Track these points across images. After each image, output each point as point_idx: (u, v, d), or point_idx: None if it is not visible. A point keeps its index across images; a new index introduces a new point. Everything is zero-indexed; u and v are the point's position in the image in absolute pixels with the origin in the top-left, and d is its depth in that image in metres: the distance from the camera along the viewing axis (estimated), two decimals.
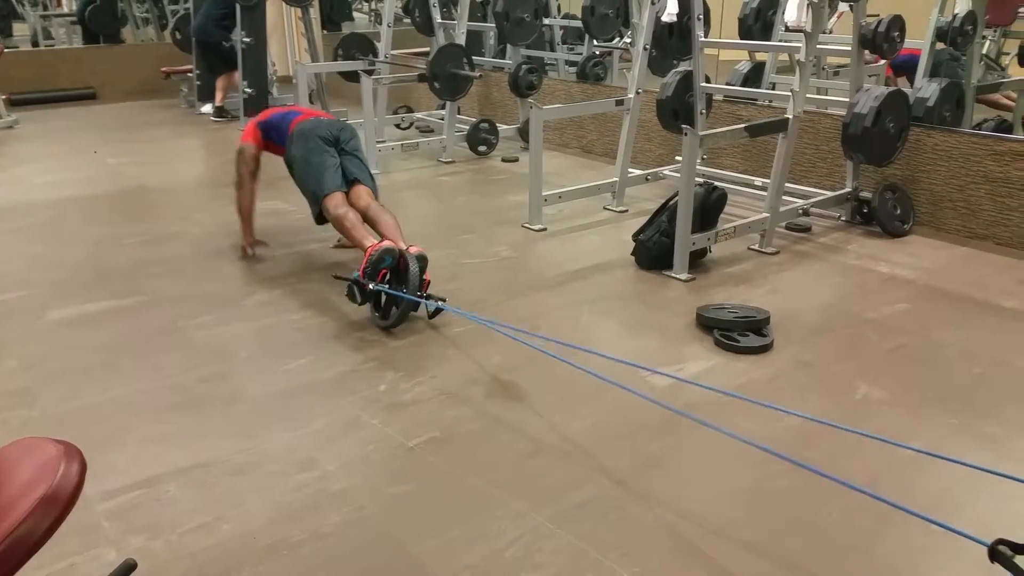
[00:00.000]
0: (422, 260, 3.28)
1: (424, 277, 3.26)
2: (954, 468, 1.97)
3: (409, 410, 2.65)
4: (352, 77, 7.37)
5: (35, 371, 2.97)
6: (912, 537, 2.00)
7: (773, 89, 5.48)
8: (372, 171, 3.97)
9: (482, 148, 6.47)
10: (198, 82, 8.44)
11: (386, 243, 3.31)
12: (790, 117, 3.88)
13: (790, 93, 3.92)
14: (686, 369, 2.74)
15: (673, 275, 3.70)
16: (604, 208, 4.92)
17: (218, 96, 8.13)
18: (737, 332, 2.99)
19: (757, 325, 3.02)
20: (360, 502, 2.18)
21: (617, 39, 7.38)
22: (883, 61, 5.18)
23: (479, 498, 2.19)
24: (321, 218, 3.73)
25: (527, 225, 4.56)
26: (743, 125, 3.80)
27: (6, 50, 9.09)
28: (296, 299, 3.59)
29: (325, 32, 9.79)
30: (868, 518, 2.07)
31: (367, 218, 3.60)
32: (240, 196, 4.11)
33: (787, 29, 4.58)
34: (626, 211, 4.85)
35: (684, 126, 3.57)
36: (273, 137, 4.00)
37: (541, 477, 2.28)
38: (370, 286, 3.20)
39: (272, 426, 2.57)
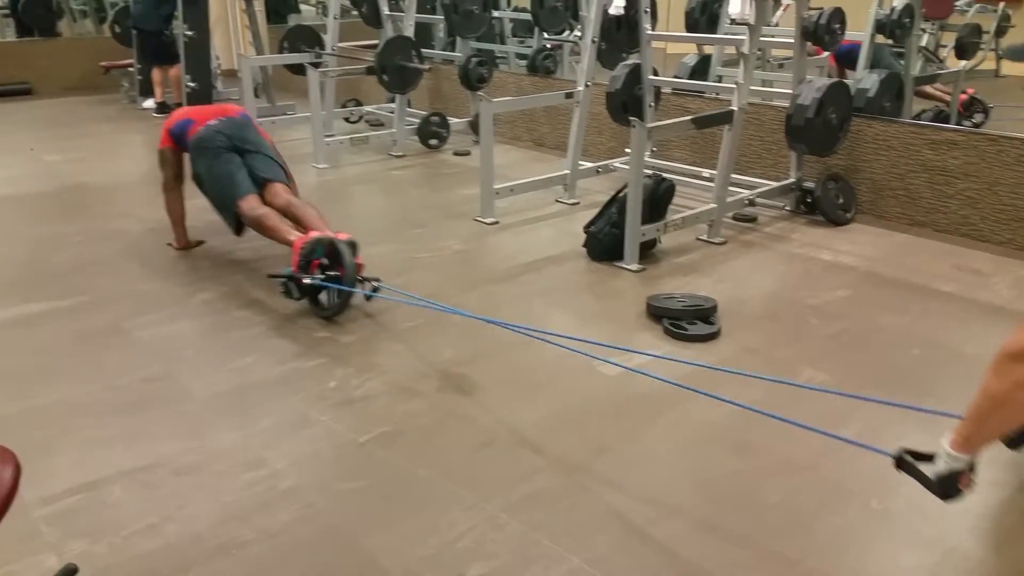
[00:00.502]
0: (352, 245, 3.27)
1: (357, 261, 3.25)
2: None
3: (359, 406, 2.63)
4: (299, 70, 7.26)
5: None
6: (852, 515, 2.05)
7: (720, 82, 5.56)
8: (286, 166, 3.88)
9: (433, 142, 6.44)
10: (139, 77, 8.23)
11: (313, 234, 3.28)
12: (735, 109, 3.94)
13: (735, 85, 3.98)
14: (636, 357, 2.77)
15: (624, 266, 3.74)
16: (556, 201, 4.94)
17: (157, 91, 7.92)
18: (686, 320, 3.04)
19: (705, 313, 3.07)
20: (310, 499, 2.16)
21: (567, 32, 7.41)
22: (826, 53, 5.29)
23: (430, 491, 2.18)
24: (240, 228, 3.69)
25: (479, 219, 4.56)
26: (689, 117, 3.85)
27: None
28: (241, 297, 3.53)
29: (270, 25, 9.62)
30: (811, 497, 2.12)
31: (288, 215, 3.54)
32: (168, 200, 4.04)
33: (732, 22, 4.65)
34: (578, 203, 4.87)
35: (631, 119, 3.60)
36: (180, 144, 3.91)
37: (493, 468, 2.28)
38: (305, 280, 3.18)
39: (219, 426, 2.52)
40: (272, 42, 8.58)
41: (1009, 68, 6.20)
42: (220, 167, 3.64)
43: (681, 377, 2.48)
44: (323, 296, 3.30)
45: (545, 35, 7.23)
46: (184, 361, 2.96)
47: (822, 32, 4.03)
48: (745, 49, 3.89)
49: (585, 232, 3.92)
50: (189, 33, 7.18)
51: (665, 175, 3.92)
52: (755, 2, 3.80)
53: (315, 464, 2.32)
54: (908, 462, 1.55)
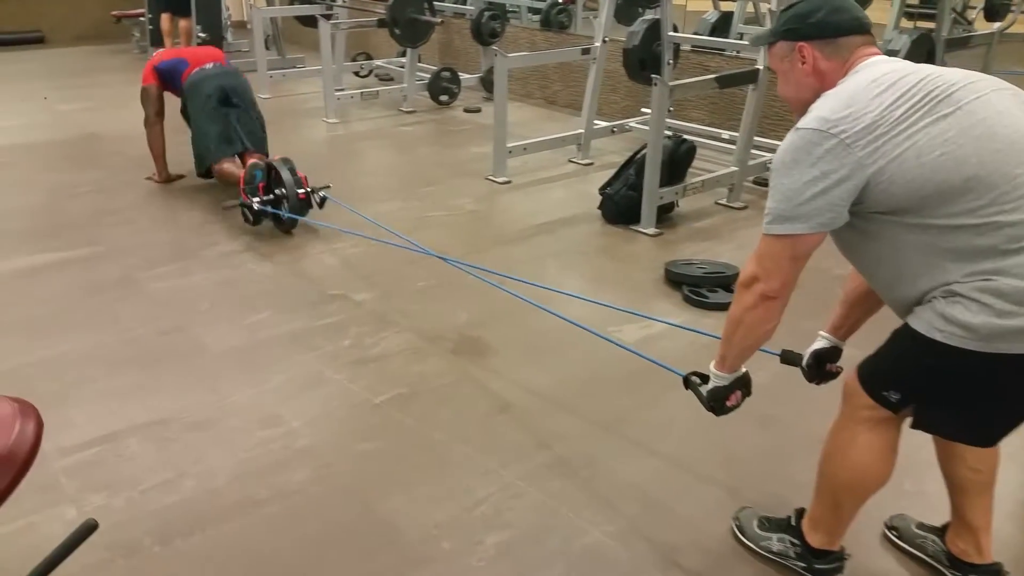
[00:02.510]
0: (287, 161, 3.62)
1: (298, 174, 3.59)
2: None
3: (374, 366, 2.61)
4: (309, 22, 7.14)
5: None
6: (883, 496, 2.03)
7: (741, 39, 5.43)
8: (263, 123, 4.14)
9: (444, 98, 6.34)
10: (150, 27, 8.08)
11: (250, 161, 3.70)
12: (760, 68, 3.84)
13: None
14: (654, 325, 2.74)
15: (640, 229, 3.69)
16: (569, 161, 4.87)
17: (166, 42, 7.78)
18: (706, 288, 2.99)
19: (726, 281, 3.02)
20: (326, 459, 2.15)
21: None
22: None
23: (447, 455, 2.18)
24: (207, 174, 4.03)
25: (491, 177, 4.50)
26: (712, 76, 3.76)
27: None
28: (256, 250, 3.51)
29: None
30: None
31: None
32: (150, 135, 4.23)
33: None
34: (591, 164, 4.80)
35: (653, 76, 3.52)
36: (169, 83, 4.15)
37: (509, 434, 2.27)
38: (255, 203, 3.55)
39: (233, 381, 2.52)
40: None
41: None
42: (208, 122, 3.90)
43: (701, 347, 2.44)
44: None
45: None
46: (198, 314, 2.95)
47: None
48: (773, 5, 3.78)
49: (601, 194, 3.86)
50: None
51: (685, 136, 3.84)
52: None
53: (330, 423, 2.32)
54: (693, 382, 1.69)
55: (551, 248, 3.58)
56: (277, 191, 3.59)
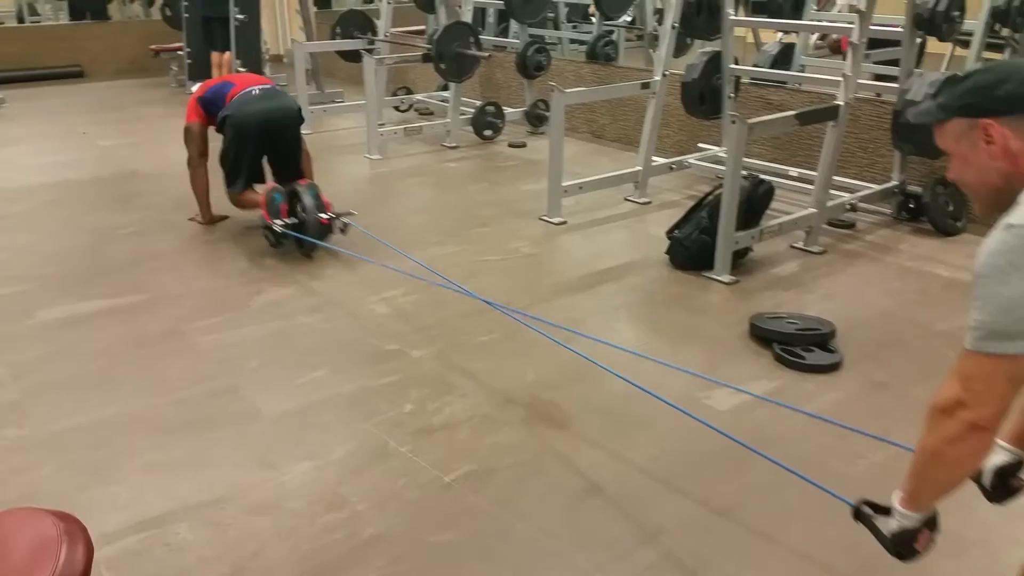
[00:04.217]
0: (312, 186, 3.66)
1: (322, 199, 3.60)
2: None
3: (440, 436, 2.39)
4: (350, 56, 7.03)
5: (25, 381, 2.70)
6: None
7: (803, 71, 5.20)
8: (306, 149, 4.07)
9: (488, 132, 6.17)
10: (189, 60, 8.05)
11: (269, 185, 3.72)
12: (841, 104, 3.60)
13: (840, 77, 3.63)
14: (747, 389, 2.48)
15: (714, 277, 3.44)
16: (625, 199, 4.65)
17: (214, 73, 7.70)
18: (800, 347, 2.72)
19: (822, 339, 2.75)
20: (397, 552, 1.92)
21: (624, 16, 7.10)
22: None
23: (533, 552, 1.93)
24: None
25: (545, 218, 4.29)
26: (792, 113, 3.52)
27: None
28: (305, 299, 3.32)
29: (315, 10, 9.42)
30: None
31: None
32: (193, 176, 4.10)
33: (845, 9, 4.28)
34: (649, 203, 4.58)
35: (732, 114, 3.30)
36: (212, 111, 3.98)
37: (603, 524, 2.01)
38: (276, 225, 3.56)
39: (291, 452, 2.31)
40: (320, 27, 8.35)
41: None
42: (235, 149, 3.83)
43: (808, 421, 2.19)
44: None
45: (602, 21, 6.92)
46: (249, 372, 2.76)
47: (939, 20, 3.66)
48: (854, 38, 3.55)
49: (668, 237, 3.62)
50: (240, 17, 7.00)
51: (763, 176, 3.60)
52: None
53: (399, 507, 2.09)
54: (865, 514, 1.42)
55: (620, 298, 3.35)
56: (300, 215, 3.60)
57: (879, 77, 4.93)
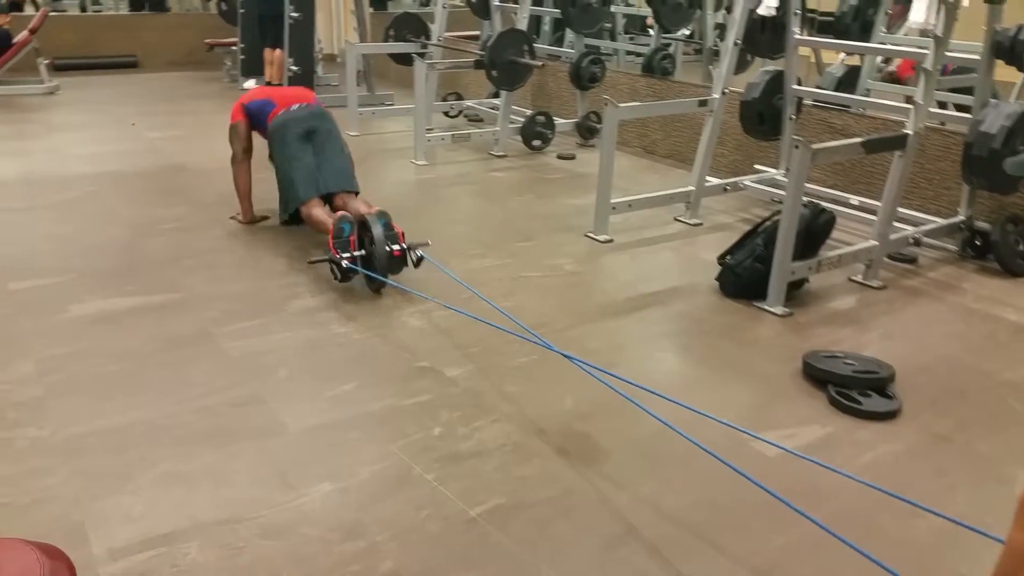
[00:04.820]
0: (383, 215, 3.33)
1: (395, 228, 3.31)
2: None
3: (469, 464, 2.26)
4: (402, 59, 6.99)
5: (51, 379, 2.65)
6: None
7: (868, 96, 4.99)
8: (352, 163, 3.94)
9: (536, 143, 6.06)
10: (242, 56, 8.10)
11: (339, 214, 3.37)
12: (910, 133, 3.41)
13: (911, 105, 3.43)
14: (797, 436, 2.32)
15: (767, 307, 3.26)
16: (675, 219, 4.49)
17: (267, 71, 7.70)
18: (857, 390, 2.54)
19: (881, 383, 2.57)
20: None
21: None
22: None
23: None
24: (289, 221, 3.81)
25: (591, 234, 4.15)
26: (859, 140, 3.33)
27: (52, 13, 8.85)
28: (341, 308, 3.23)
29: (371, 11, 9.43)
30: None
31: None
32: (236, 173, 4.09)
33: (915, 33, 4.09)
34: (700, 224, 4.41)
35: (795, 138, 3.12)
36: (256, 123, 4.02)
37: (634, 575, 1.87)
38: (343, 259, 3.23)
39: (313, 472, 2.20)
40: (374, 29, 8.34)
41: None
42: (291, 165, 3.70)
43: (860, 467, 2.02)
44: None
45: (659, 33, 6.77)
46: (277, 383, 2.67)
47: (1020, 49, 3.45)
48: (928, 64, 3.35)
49: (720, 263, 3.46)
50: (295, 15, 7.00)
51: (825, 205, 3.41)
52: (944, 9, 3.26)
53: (419, 540, 1.97)
54: None
55: (665, 325, 3.19)
56: (368, 247, 3.30)
57: (941, 104, 4.71)
